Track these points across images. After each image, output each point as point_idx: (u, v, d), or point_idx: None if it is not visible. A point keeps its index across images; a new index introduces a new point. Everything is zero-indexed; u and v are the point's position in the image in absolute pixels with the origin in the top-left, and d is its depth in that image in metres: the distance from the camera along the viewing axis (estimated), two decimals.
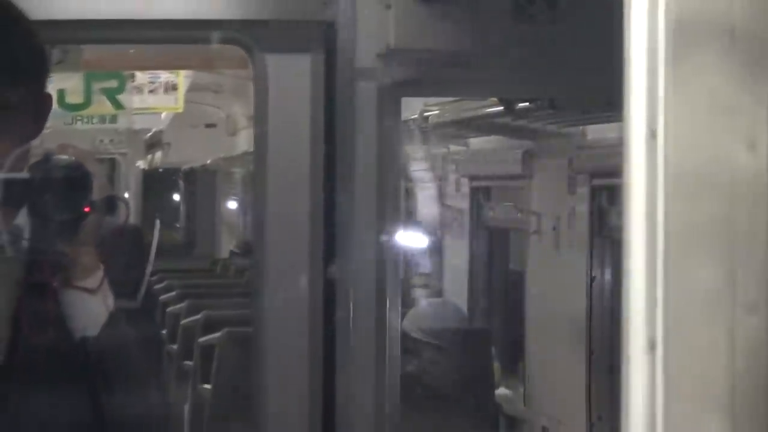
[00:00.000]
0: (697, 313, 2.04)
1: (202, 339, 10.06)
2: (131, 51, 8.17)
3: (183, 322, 10.94)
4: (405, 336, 7.87)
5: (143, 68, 9.97)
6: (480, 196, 11.70)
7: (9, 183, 3.43)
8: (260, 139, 5.11)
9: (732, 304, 2.03)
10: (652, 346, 2.03)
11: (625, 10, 2.01)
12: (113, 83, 11.16)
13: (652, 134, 2.02)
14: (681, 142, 2.03)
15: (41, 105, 3.62)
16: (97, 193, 3.46)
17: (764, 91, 2.03)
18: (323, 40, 4.95)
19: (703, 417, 2.04)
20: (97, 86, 11.17)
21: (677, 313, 2.04)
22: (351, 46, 4.91)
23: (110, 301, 3.51)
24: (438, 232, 12.58)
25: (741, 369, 2.03)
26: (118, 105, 10.91)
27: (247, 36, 5.05)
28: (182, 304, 11.55)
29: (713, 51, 2.03)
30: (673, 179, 2.02)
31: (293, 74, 5.01)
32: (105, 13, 4.82)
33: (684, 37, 2.02)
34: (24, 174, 3.44)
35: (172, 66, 9.13)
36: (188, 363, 10.34)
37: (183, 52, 7.95)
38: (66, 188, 3.46)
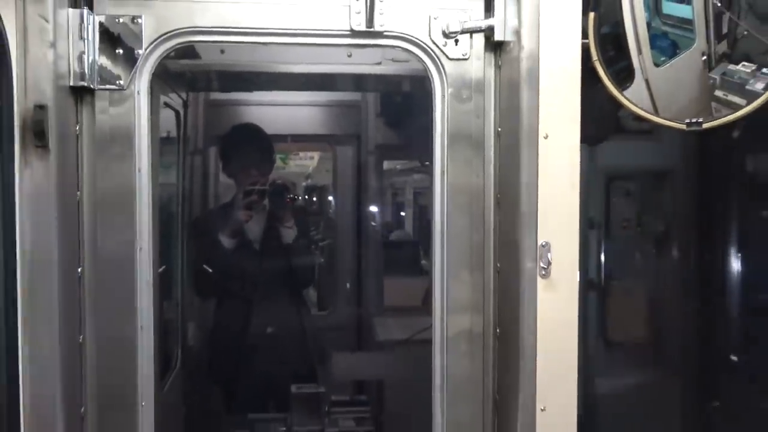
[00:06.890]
0: None
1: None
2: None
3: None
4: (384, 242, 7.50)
5: (296, 150, 9.90)
6: (418, 194, 11.62)
7: (263, 191, 3.36)
8: (334, 180, 4.98)
9: None
10: None
11: None
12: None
13: (443, 172, 2.00)
14: (454, 175, 1.98)
15: (273, 161, 3.56)
16: (290, 194, 3.49)
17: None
18: (357, 142, 4.78)
19: None
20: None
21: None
22: (366, 144, 4.69)
23: (296, 231, 3.45)
24: (402, 209, 12.43)
25: None
26: (284, 161, 10.72)
27: (329, 140, 4.89)
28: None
29: (467, 148, 1.93)
30: (450, 190, 1.97)
31: (347, 156, 4.82)
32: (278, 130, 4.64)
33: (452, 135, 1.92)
34: (266, 187, 3.40)
35: (306, 150, 9.10)
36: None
37: (308, 144, 7.88)
38: (281, 193, 3.42)
